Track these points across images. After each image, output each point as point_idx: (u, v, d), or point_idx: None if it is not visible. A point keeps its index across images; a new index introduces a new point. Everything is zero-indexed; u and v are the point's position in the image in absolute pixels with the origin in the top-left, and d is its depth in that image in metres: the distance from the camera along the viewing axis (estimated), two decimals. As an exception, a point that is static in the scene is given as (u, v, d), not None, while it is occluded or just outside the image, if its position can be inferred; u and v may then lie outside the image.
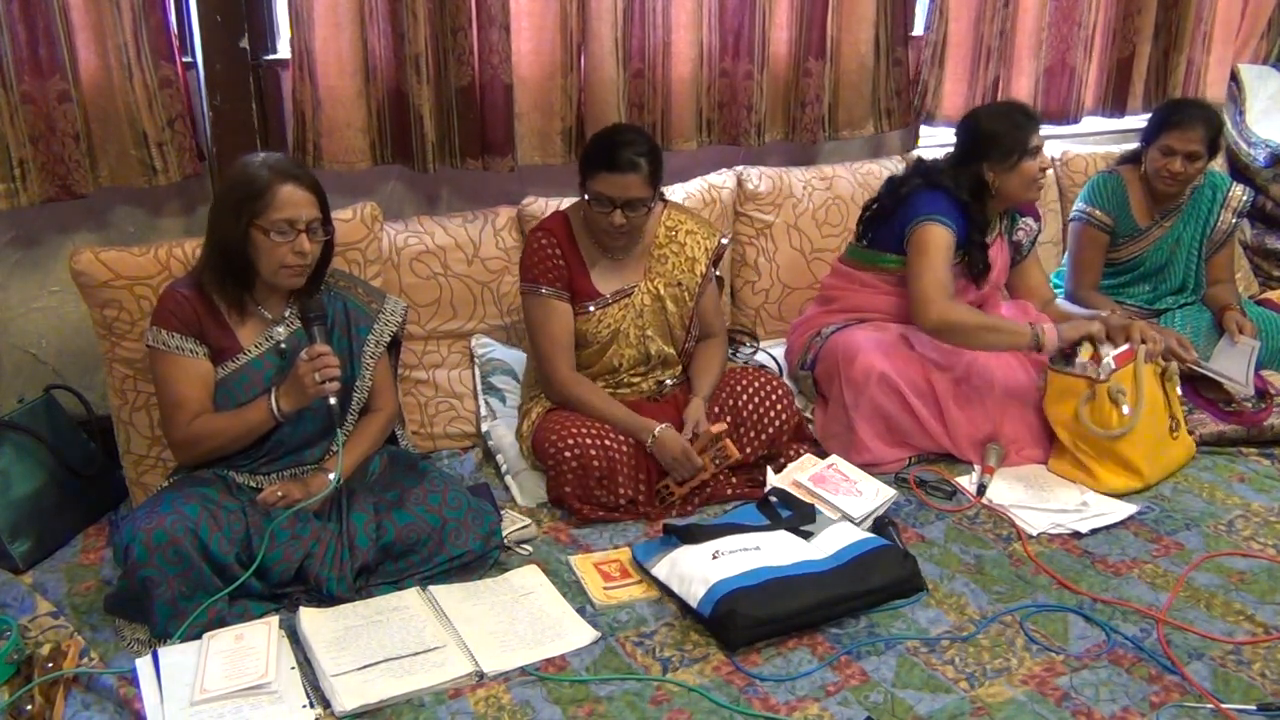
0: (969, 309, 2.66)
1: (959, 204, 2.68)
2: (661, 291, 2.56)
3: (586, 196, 2.42)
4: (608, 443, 2.37)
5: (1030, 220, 2.91)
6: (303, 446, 2.19)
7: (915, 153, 3.45)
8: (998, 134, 2.65)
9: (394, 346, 2.41)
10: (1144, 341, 2.59)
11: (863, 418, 2.57)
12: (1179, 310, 3.10)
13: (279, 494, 2.09)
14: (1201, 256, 3.12)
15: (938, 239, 2.64)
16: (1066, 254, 3.25)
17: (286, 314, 2.18)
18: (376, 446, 2.29)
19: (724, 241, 2.67)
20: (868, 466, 2.56)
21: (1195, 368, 2.82)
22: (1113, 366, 2.50)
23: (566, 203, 2.61)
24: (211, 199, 2.13)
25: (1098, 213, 3.09)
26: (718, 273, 2.72)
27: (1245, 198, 3.12)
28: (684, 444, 2.38)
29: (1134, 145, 3.19)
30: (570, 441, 2.34)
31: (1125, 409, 2.48)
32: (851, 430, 2.58)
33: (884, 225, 2.78)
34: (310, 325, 2.10)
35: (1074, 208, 3.19)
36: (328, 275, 2.24)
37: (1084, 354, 2.56)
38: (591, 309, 2.51)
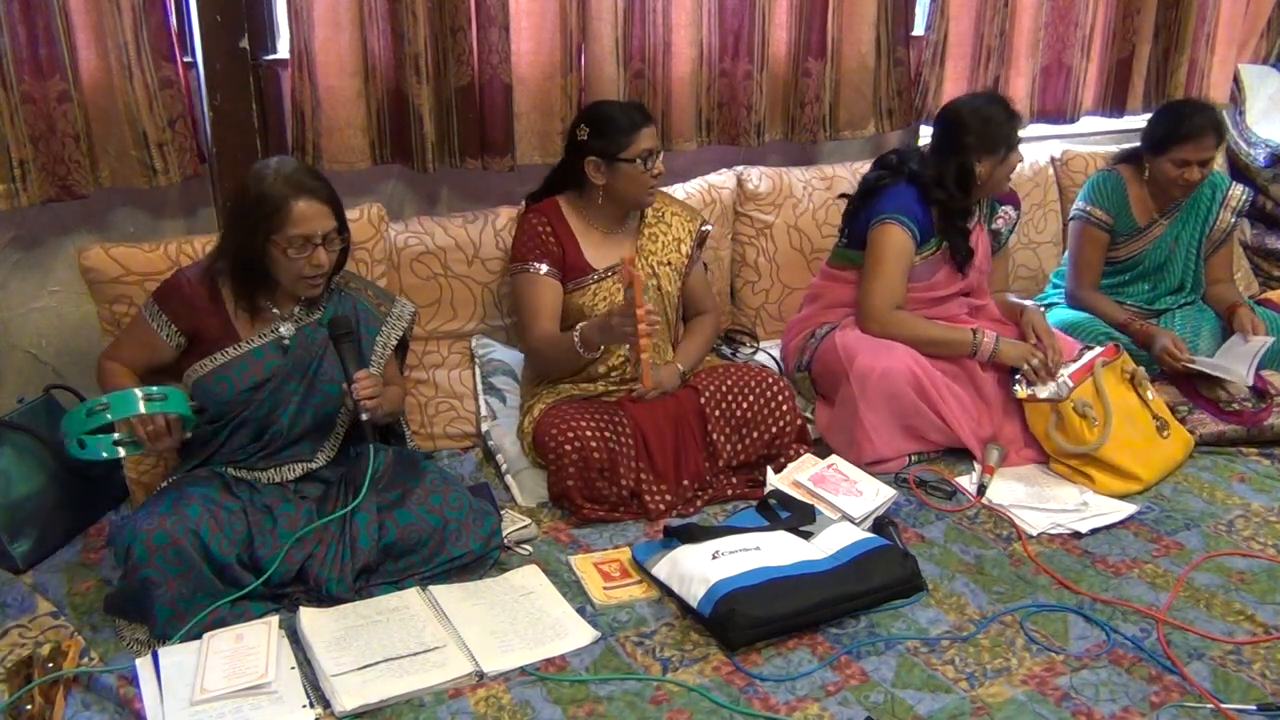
0: (910, 321, 2.69)
1: (925, 198, 2.70)
2: (655, 269, 2.61)
3: (629, 160, 2.47)
4: (607, 434, 2.38)
5: (1010, 209, 2.93)
6: (300, 440, 2.21)
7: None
8: (989, 128, 2.67)
9: (402, 347, 2.43)
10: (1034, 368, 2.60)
11: (870, 414, 2.57)
12: (1179, 310, 3.10)
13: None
14: (1200, 255, 3.11)
15: (893, 242, 2.67)
16: (1066, 253, 3.25)
17: (295, 311, 2.20)
18: (397, 407, 2.32)
19: (706, 228, 2.76)
20: (875, 463, 2.57)
21: (1190, 366, 2.82)
22: (1070, 385, 2.52)
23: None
24: (213, 200, 2.14)
25: (1097, 211, 3.08)
26: (702, 257, 2.79)
27: (1244, 197, 3.12)
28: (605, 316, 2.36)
29: (1131, 144, 3.19)
30: (571, 435, 2.35)
31: (1095, 420, 2.50)
32: (859, 427, 2.58)
33: (854, 222, 2.81)
34: (340, 344, 2.12)
35: (1074, 206, 3.19)
36: (340, 277, 2.26)
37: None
38: (586, 283, 2.56)
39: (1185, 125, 2.93)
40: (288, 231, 2.04)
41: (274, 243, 2.06)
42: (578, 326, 2.42)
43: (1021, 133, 3.57)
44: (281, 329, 2.18)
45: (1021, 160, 2.74)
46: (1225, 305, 3.08)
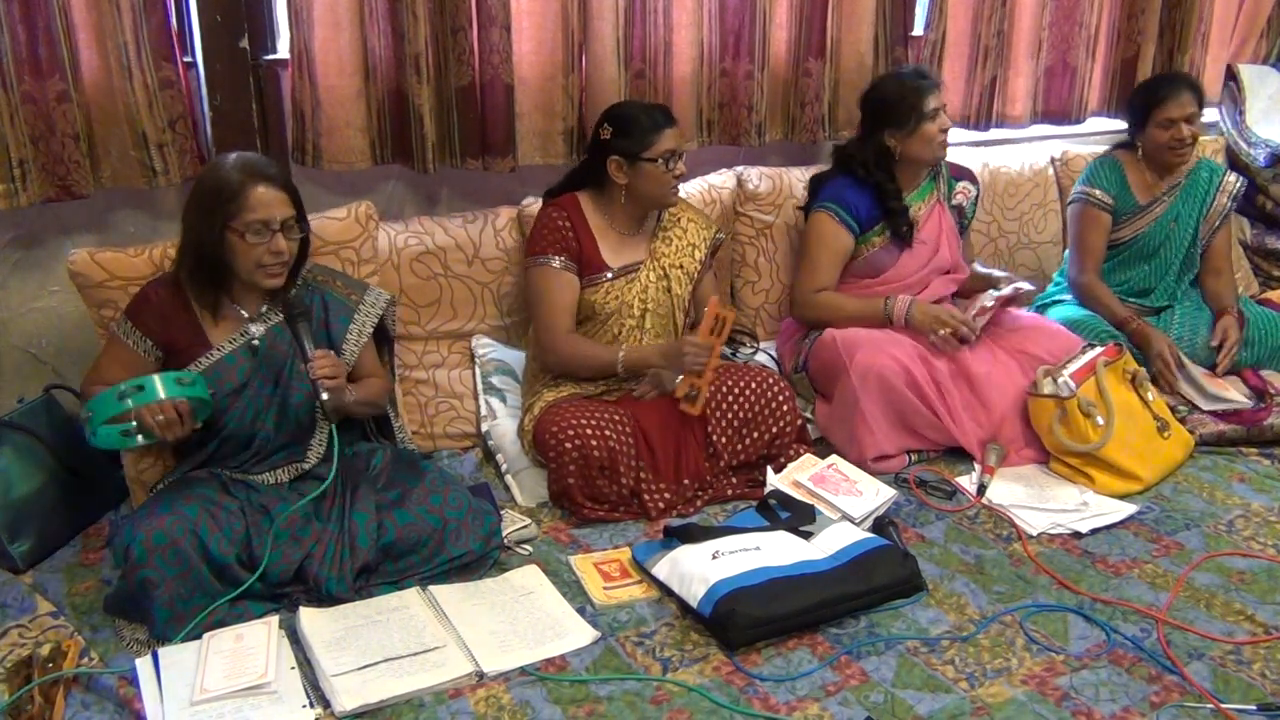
0: (830, 301, 2.81)
1: (859, 183, 2.79)
2: (667, 271, 2.63)
3: (652, 160, 2.49)
4: (608, 433, 2.38)
5: (967, 183, 2.99)
6: (290, 443, 2.21)
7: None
8: (894, 101, 2.75)
9: (386, 341, 2.42)
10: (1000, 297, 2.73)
11: (871, 408, 2.58)
12: (1178, 308, 3.11)
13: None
14: (1198, 239, 3.14)
15: (817, 231, 2.82)
16: (1068, 238, 3.27)
17: (263, 310, 2.19)
18: (376, 397, 2.29)
19: (720, 237, 2.78)
20: (876, 458, 2.58)
21: (1175, 385, 2.87)
22: (1072, 385, 2.53)
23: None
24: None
25: (1097, 192, 3.12)
26: (714, 266, 2.81)
27: (1239, 184, 3.18)
28: (667, 345, 2.50)
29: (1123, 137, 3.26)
30: (571, 432, 2.35)
31: (1099, 420, 2.50)
32: (860, 422, 2.59)
33: None
34: (295, 323, 2.11)
35: (1073, 191, 3.23)
36: (305, 270, 2.25)
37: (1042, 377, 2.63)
38: (601, 280, 2.57)
39: (1161, 89, 3.05)
40: (245, 216, 2.04)
41: (232, 229, 2.05)
42: (621, 349, 2.49)
43: (1023, 133, 3.61)
44: (251, 329, 2.17)
45: (947, 127, 2.79)
46: (1218, 308, 3.10)
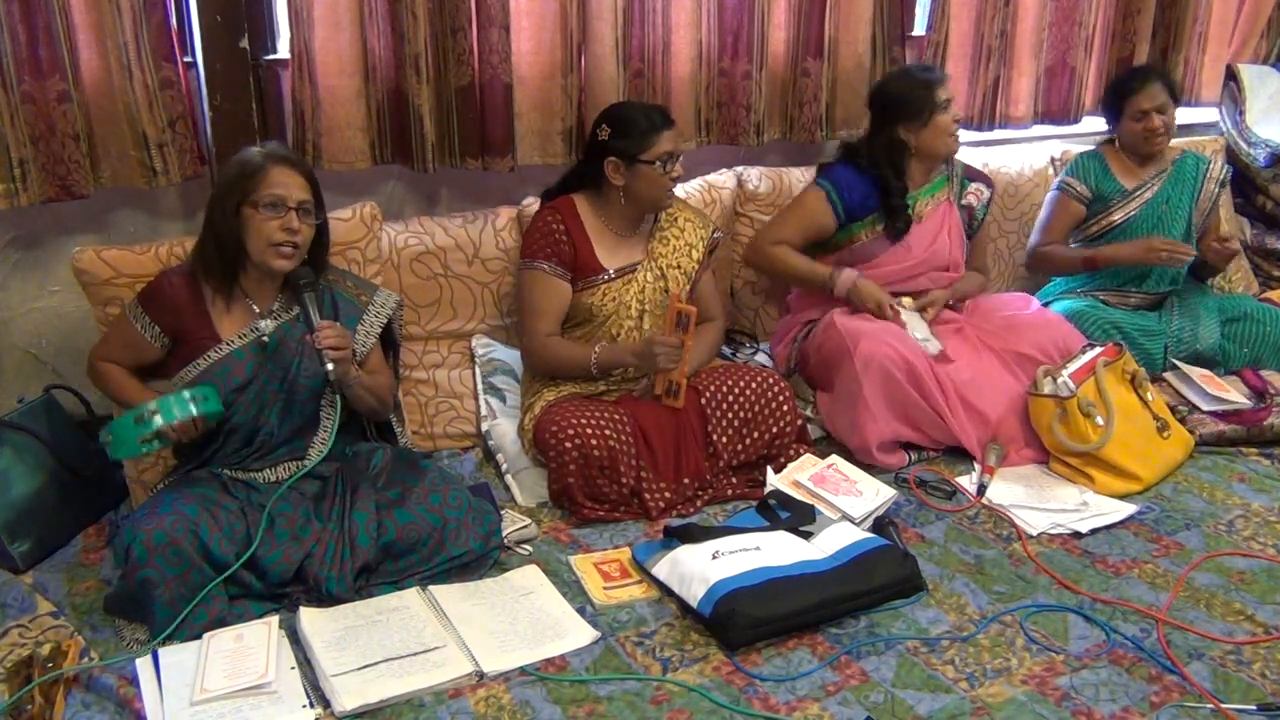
0: (780, 254, 2.86)
1: (861, 175, 2.82)
2: (664, 271, 2.63)
3: (649, 162, 2.49)
4: (608, 432, 2.38)
5: (981, 185, 3.02)
6: (291, 439, 2.21)
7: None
8: (906, 95, 2.80)
9: (392, 345, 2.42)
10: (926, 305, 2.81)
11: (873, 394, 2.59)
12: (1177, 304, 3.12)
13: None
14: (1192, 227, 3.18)
15: (806, 200, 2.87)
16: (1038, 220, 3.31)
17: (274, 307, 2.19)
18: (379, 392, 2.29)
19: (717, 235, 2.77)
20: (880, 445, 2.58)
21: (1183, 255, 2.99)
22: (1071, 385, 2.54)
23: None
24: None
25: (1074, 182, 3.20)
26: (712, 265, 2.81)
27: (1225, 171, 3.29)
28: (638, 345, 2.49)
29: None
30: (571, 431, 2.35)
31: (1099, 420, 2.50)
32: (862, 409, 2.59)
33: None
34: (301, 293, 2.13)
35: (1054, 182, 3.29)
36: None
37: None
38: (598, 282, 2.57)
39: (1131, 81, 3.15)
40: (261, 191, 2.07)
41: (248, 203, 2.08)
42: (595, 349, 2.49)
43: (1023, 133, 3.62)
44: (261, 325, 2.18)
45: (960, 119, 2.86)
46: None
